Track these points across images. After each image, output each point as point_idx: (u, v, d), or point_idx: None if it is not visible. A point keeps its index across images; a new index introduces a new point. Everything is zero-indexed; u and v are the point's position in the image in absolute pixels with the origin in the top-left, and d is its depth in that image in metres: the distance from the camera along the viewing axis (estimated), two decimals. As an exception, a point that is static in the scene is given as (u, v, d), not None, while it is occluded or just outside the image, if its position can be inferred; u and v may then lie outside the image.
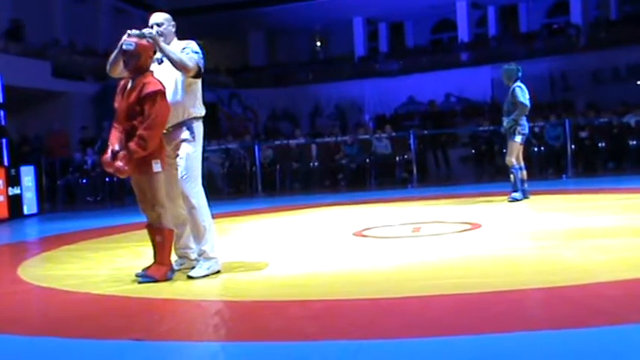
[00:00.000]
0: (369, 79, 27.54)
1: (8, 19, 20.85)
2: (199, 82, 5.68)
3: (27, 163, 14.90)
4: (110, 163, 5.38)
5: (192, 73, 5.50)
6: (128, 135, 5.35)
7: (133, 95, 5.31)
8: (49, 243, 9.08)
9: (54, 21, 23.54)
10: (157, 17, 5.72)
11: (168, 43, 5.61)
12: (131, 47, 5.34)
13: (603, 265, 5.07)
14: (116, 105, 5.46)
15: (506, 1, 29.37)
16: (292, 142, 18.71)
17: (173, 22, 5.78)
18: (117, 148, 5.36)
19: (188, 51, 5.53)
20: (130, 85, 5.39)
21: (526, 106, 9.94)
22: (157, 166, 5.33)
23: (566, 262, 5.31)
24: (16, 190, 13.63)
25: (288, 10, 29.03)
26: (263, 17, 29.53)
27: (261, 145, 18.35)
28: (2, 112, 14.14)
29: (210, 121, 5.73)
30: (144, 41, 5.39)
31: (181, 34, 5.81)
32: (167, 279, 5.41)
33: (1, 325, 4.42)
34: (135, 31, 5.44)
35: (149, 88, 5.28)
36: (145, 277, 5.38)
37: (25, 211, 13.79)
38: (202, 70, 5.56)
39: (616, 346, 3.19)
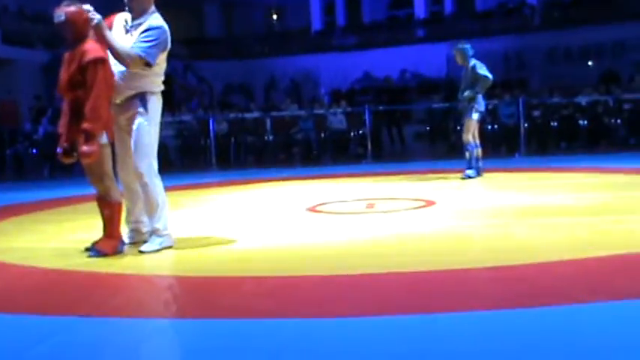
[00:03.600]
0: (325, 53, 27.46)
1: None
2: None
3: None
4: (66, 157, 5.33)
5: (131, 68, 5.29)
6: (73, 105, 5.23)
7: (74, 64, 5.17)
8: (-3, 214, 8.89)
9: (3, -14, 23.02)
10: None
11: (142, 14, 5.41)
12: (61, 18, 5.17)
13: (554, 243, 5.12)
14: (60, 76, 5.31)
15: (464, -21, 29.47)
16: (247, 115, 18.55)
17: None
18: (65, 142, 5.29)
19: (140, 38, 5.31)
20: (71, 54, 5.25)
21: (489, 78, 9.94)
22: (102, 138, 5.22)
23: (518, 241, 5.37)
24: (-37, 160, 13.36)
25: (245, -19, 28.80)
26: (219, -12, 29.24)
27: (216, 118, 18.18)
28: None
29: (163, 93, 5.60)
30: (72, 8, 5.18)
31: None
32: (117, 252, 5.34)
33: (-56, 299, 4.30)
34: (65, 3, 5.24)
35: (89, 56, 5.12)
36: (95, 251, 5.29)
37: (-28, 180, 13.53)
38: (150, 62, 5.29)
39: (565, 325, 3.21)
